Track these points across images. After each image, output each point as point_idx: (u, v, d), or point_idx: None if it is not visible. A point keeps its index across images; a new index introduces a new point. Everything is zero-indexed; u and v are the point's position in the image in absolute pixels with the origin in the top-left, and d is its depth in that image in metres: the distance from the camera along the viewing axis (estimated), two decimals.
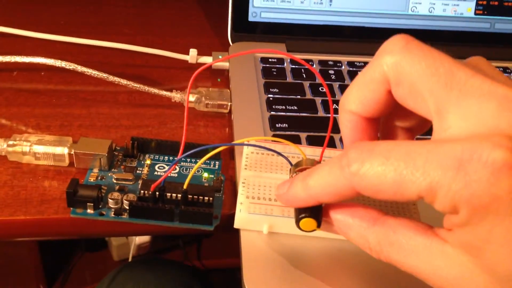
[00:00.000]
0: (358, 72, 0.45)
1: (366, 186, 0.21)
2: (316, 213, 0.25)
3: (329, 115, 0.39)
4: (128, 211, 0.31)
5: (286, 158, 0.30)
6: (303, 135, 0.37)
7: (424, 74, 0.21)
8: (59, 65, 0.39)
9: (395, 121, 0.26)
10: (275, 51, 0.27)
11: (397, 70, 0.22)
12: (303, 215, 0.25)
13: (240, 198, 0.29)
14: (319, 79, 0.44)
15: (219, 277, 0.92)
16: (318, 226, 0.25)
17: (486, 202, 0.18)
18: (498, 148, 0.18)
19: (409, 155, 0.20)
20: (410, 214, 0.28)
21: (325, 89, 0.43)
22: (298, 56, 0.47)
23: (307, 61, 0.47)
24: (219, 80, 0.46)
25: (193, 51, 0.47)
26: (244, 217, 0.28)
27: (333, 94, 0.43)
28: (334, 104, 0.40)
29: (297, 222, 0.25)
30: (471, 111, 0.20)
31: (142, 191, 0.31)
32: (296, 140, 0.37)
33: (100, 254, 0.99)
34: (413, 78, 0.22)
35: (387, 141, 0.21)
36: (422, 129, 0.26)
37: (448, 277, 0.20)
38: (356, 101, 0.25)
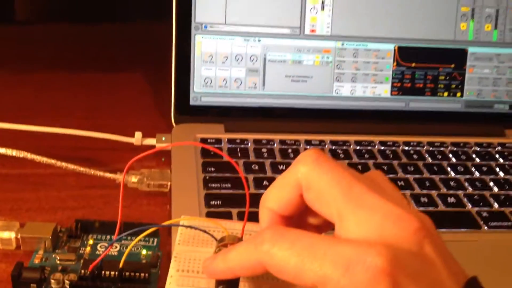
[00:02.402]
0: (288, 150, 0.50)
1: (272, 265, 0.25)
2: (232, 286, 0.28)
3: (261, 191, 0.43)
4: None
5: (211, 235, 0.33)
6: (234, 211, 0.41)
7: (329, 184, 0.26)
8: (10, 154, 0.43)
9: (306, 220, 0.31)
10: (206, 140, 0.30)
11: (308, 179, 0.27)
12: (220, 286, 0.28)
13: (171, 271, 0.32)
14: (251, 158, 0.49)
15: None
16: None
17: None
18: (379, 256, 0.23)
19: (312, 246, 0.24)
20: None
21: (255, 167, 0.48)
22: (235, 136, 0.52)
23: (243, 140, 0.51)
24: (163, 159, 0.50)
25: (138, 134, 0.51)
26: None
27: (264, 171, 0.47)
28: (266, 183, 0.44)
29: None
30: (363, 220, 0.25)
31: (82, 271, 0.34)
32: (228, 216, 0.41)
33: None
34: (320, 186, 0.26)
35: (298, 230, 0.26)
36: (328, 227, 0.31)
37: None
38: (274, 200, 0.29)
